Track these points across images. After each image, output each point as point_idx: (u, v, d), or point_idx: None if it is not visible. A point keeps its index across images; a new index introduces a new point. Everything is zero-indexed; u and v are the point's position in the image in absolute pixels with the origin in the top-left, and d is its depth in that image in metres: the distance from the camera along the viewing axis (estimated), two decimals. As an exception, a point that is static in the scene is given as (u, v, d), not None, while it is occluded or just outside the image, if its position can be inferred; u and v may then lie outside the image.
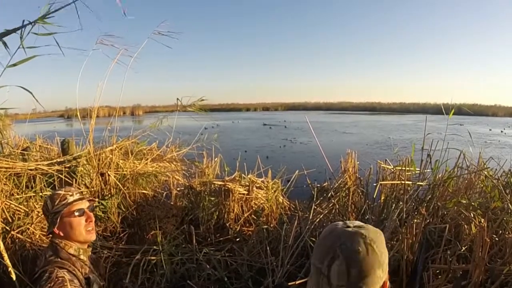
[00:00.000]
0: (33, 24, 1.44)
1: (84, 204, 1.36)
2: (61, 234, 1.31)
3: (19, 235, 2.22)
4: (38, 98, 1.57)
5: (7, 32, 1.18)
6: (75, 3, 1.35)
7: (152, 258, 2.35)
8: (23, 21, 1.38)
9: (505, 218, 2.04)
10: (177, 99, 3.35)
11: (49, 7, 1.50)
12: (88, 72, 3.27)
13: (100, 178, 3.14)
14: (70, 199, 1.34)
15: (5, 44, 1.33)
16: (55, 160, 3.06)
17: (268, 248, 2.40)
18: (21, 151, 3.45)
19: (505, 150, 10.40)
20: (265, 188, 3.69)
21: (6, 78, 1.45)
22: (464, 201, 2.32)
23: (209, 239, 3.18)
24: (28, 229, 2.28)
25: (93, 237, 1.39)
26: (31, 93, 1.38)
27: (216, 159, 4.35)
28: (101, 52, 3.02)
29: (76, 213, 1.32)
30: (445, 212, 2.38)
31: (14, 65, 1.43)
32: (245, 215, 3.51)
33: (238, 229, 3.39)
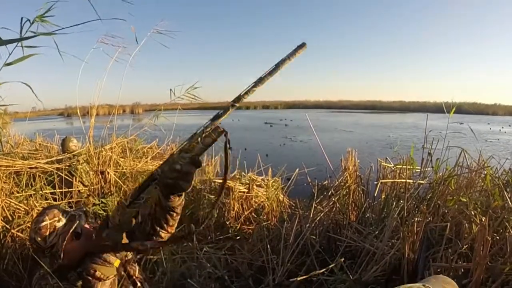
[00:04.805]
0: (31, 22, 1.41)
1: (79, 221, 1.17)
2: (66, 262, 1.11)
3: (19, 234, 2.22)
4: (37, 97, 1.55)
5: (11, 41, 1.16)
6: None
7: (153, 256, 2.35)
8: (22, 18, 1.36)
9: (506, 217, 2.03)
10: (170, 89, 3.23)
11: (49, 7, 1.48)
12: (89, 70, 3.26)
13: (100, 176, 3.14)
14: (60, 225, 1.12)
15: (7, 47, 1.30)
16: (54, 158, 3.06)
17: (268, 246, 2.40)
18: (21, 150, 3.45)
19: (505, 148, 10.40)
20: (265, 186, 3.69)
21: (5, 76, 1.43)
22: (465, 200, 2.32)
23: (209, 237, 3.18)
24: (29, 227, 2.28)
25: None
26: (30, 87, 1.35)
27: (216, 157, 4.35)
28: (102, 51, 3.02)
29: (74, 237, 1.13)
30: (446, 211, 2.38)
31: (11, 63, 1.38)
32: (246, 213, 3.52)
33: (238, 227, 3.40)
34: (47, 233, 1.11)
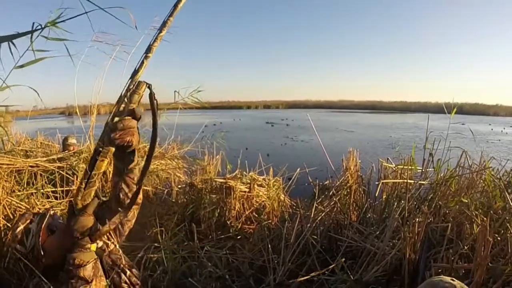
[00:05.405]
0: (43, 27, 1.44)
1: (51, 218, 1.19)
2: (50, 261, 1.13)
3: (20, 232, 2.22)
4: (42, 101, 1.58)
5: (17, 35, 1.18)
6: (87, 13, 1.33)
7: (154, 255, 2.35)
8: (33, 23, 1.38)
9: (507, 218, 2.03)
10: (175, 91, 3.38)
11: (60, 13, 1.50)
12: (90, 69, 3.25)
13: (101, 176, 3.14)
14: (33, 226, 1.16)
15: (14, 45, 1.33)
16: (55, 156, 3.06)
17: (269, 246, 2.40)
18: (22, 148, 3.45)
19: (507, 149, 10.38)
20: (266, 186, 3.69)
21: (9, 76, 1.45)
22: (466, 201, 2.31)
23: (210, 236, 3.18)
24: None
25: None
26: (37, 93, 1.38)
27: (217, 156, 4.35)
28: (98, 49, 2.99)
29: (49, 233, 1.16)
30: (447, 211, 2.37)
31: (22, 66, 1.43)
32: (247, 212, 3.52)
33: (239, 227, 3.40)
34: (24, 237, 1.15)
